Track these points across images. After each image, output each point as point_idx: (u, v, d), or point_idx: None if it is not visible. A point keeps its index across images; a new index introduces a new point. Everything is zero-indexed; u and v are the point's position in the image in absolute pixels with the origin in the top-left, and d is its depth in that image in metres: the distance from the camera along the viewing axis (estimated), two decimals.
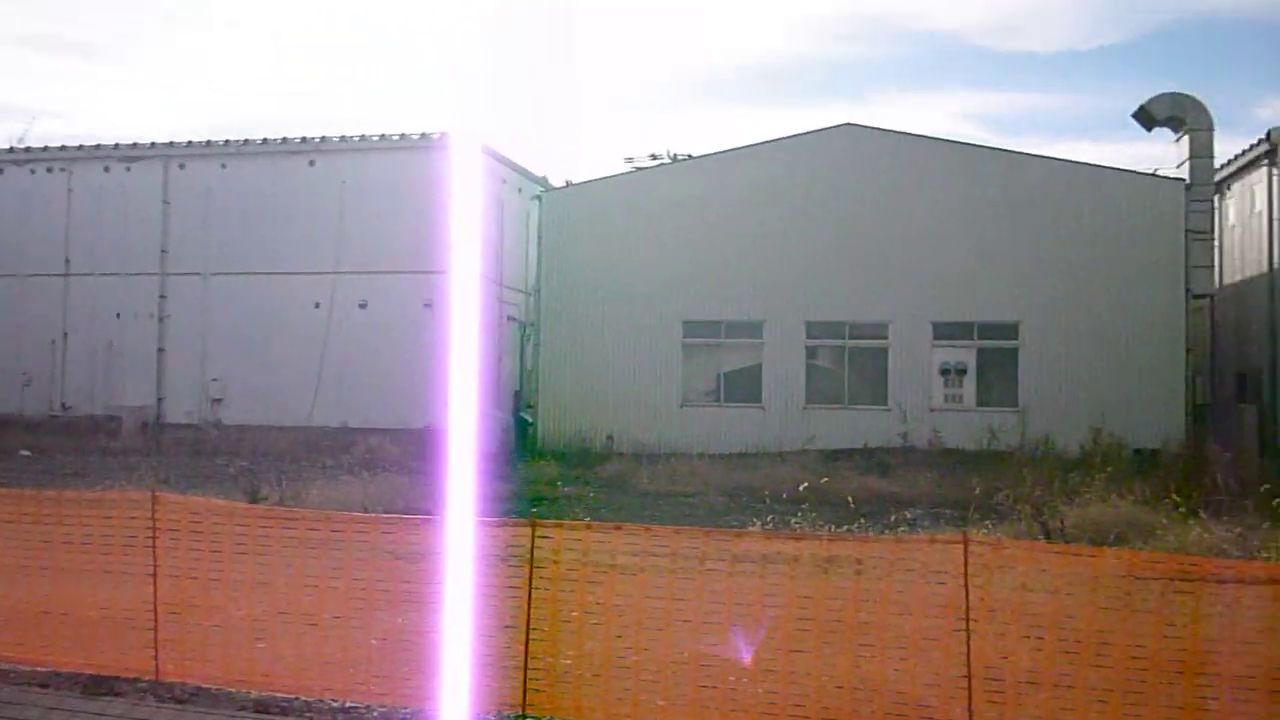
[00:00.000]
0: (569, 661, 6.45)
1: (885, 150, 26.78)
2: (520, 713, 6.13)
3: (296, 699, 6.64)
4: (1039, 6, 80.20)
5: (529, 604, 6.19)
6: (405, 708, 6.46)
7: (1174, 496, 13.06)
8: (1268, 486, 12.77)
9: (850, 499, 14.54)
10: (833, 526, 13.18)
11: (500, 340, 29.56)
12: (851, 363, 26.96)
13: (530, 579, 6.19)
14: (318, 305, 28.35)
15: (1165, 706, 5.65)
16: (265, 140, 29.57)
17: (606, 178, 29.82)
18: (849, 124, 27.28)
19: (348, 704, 6.55)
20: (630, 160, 38.59)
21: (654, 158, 38.13)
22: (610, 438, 26.29)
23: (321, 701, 6.58)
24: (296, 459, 24.48)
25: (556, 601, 6.24)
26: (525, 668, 6.12)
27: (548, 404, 27.65)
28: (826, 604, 6.06)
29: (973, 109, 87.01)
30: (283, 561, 7.09)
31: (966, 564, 5.92)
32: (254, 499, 14.22)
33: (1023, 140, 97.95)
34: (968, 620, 5.91)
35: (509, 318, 30.27)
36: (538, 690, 6.13)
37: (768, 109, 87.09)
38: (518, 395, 30.07)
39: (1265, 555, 10.30)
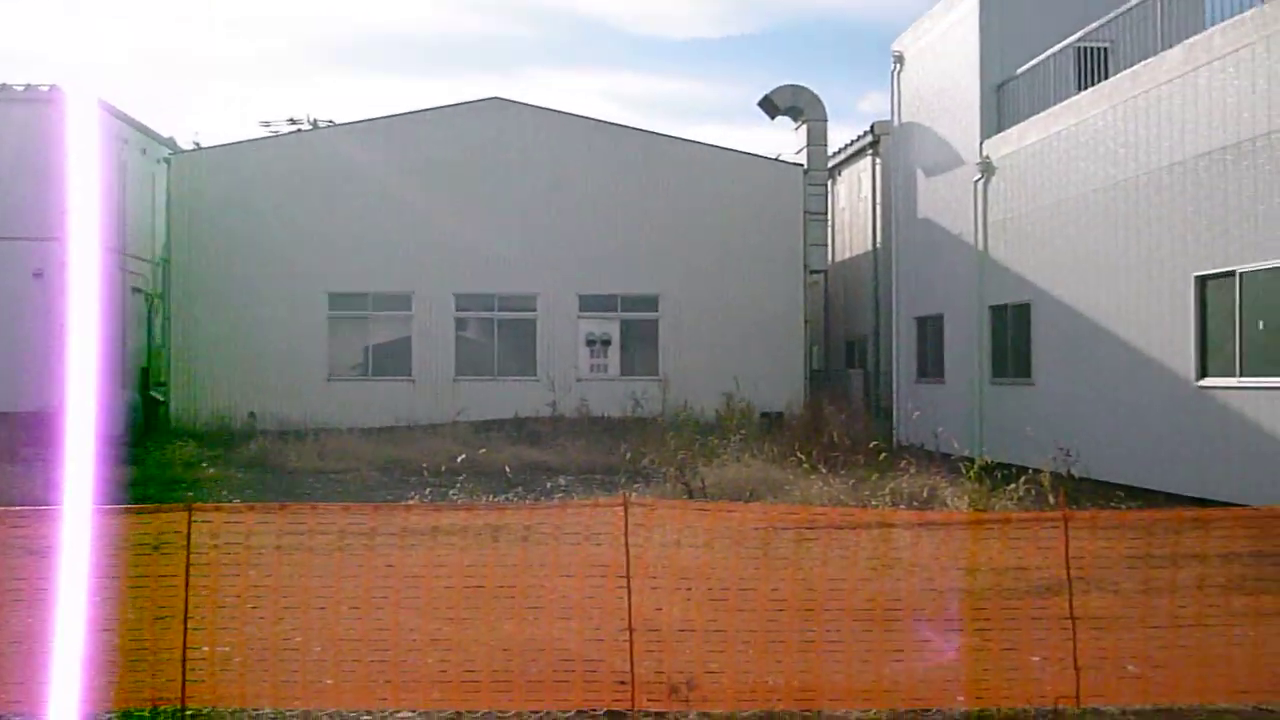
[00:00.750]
0: (227, 649, 6.22)
1: (533, 125, 27.22)
2: (178, 706, 5.84)
3: None
4: None
5: (186, 592, 5.90)
6: (33, 715, 5.96)
7: (798, 455, 14.37)
8: (875, 443, 14.35)
9: (506, 469, 14.81)
10: (490, 496, 13.40)
11: (124, 313, 27.26)
12: (501, 334, 27.30)
13: (187, 566, 5.90)
14: None
15: (800, 642, 6.27)
16: None
17: (244, 142, 28.28)
18: (497, 98, 27.48)
19: None
20: (268, 125, 36.80)
21: (293, 123, 36.57)
22: (253, 415, 25.11)
23: None
24: None
25: (217, 588, 5.99)
26: (184, 659, 5.84)
27: (180, 381, 25.97)
28: (496, 571, 6.23)
29: (616, 89, 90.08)
30: None
31: (626, 526, 6.27)
32: None
33: (662, 121, 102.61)
34: (628, 578, 6.26)
35: (134, 289, 27.99)
36: (198, 681, 5.87)
37: (417, 80, 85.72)
38: (145, 372, 27.94)
39: (874, 502, 11.59)
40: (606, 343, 27.17)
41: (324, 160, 26.65)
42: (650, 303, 27.26)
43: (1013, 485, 11.56)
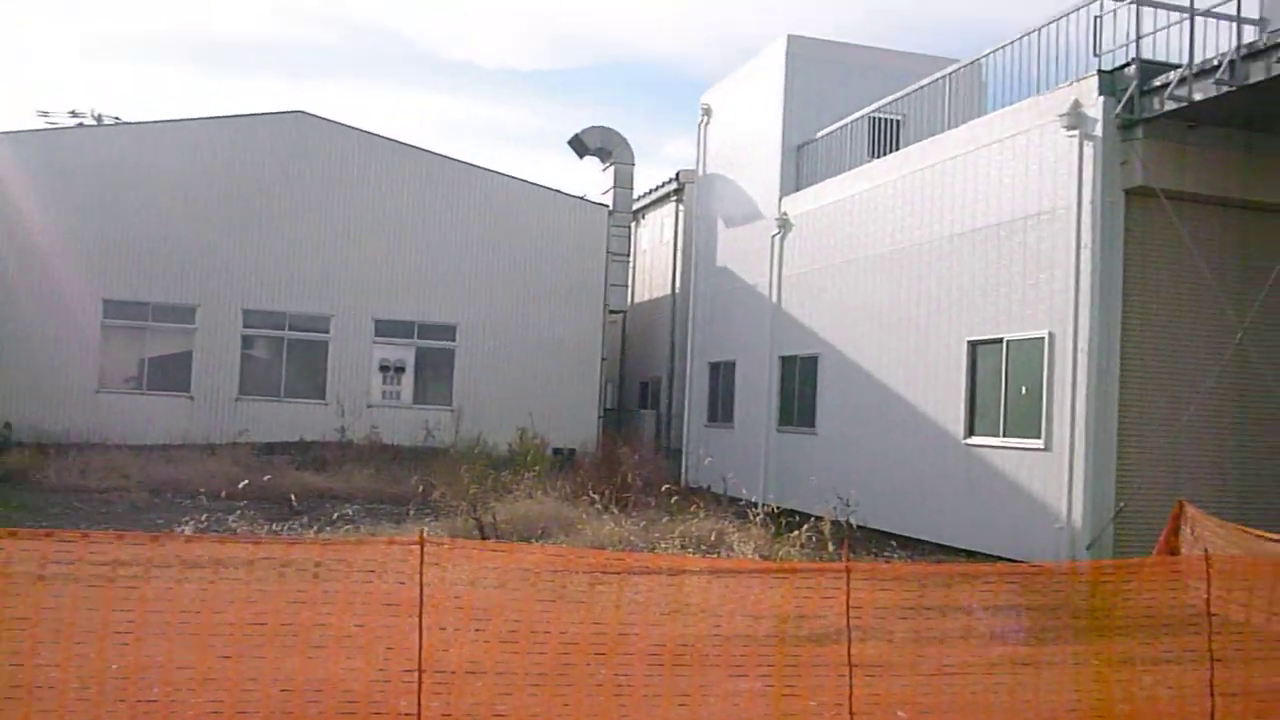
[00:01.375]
0: None
1: (339, 143, 26.59)
2: None
3: None
4: (484, 22, 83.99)
5: None
6: None
7: (591, 494, 14.46)
8: (667, 486, 14.61)
9: (293, 496, 14.27)
10: (273, 525, 12.88)
11: None
12: (290, 355, 26.36)
13: None
14: None
15: (590, 685, 6.29)
16: None
17: (13, 132, 26.34)
18: (302, 112, 26.69)
19: None
20: (46, 115, 34.51)
21: (74, 115, 34.48)
22: (8, 426, 23.29)
23: None
24: None
25: None
26: None
27: None
28: (281, 607, 5.98)
29: (423, 110, 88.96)
30: None
31: (421, 564, 6.15)
32: None
33: (470, 146, 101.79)
34: (420, 617, 6.14)
35: None
36: None
37: (205, 78, 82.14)
38: None
39: (664, 545, 11.78)
40: (401, 370, 26.67)
41: (108, 157, 25.16)
42: (448, 332, 26.94)
43: (796, 532, 11.99)
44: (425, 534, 6.36)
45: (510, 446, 22.20)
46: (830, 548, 11.56)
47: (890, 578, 6.70)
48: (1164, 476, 12.91)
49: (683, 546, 11.69)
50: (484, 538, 12.05)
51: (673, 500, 13.69)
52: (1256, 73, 11.62)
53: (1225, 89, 11.92)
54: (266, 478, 15.39)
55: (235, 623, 5.93)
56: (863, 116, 19.82)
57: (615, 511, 13.60)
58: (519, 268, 27.22)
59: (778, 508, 14.01)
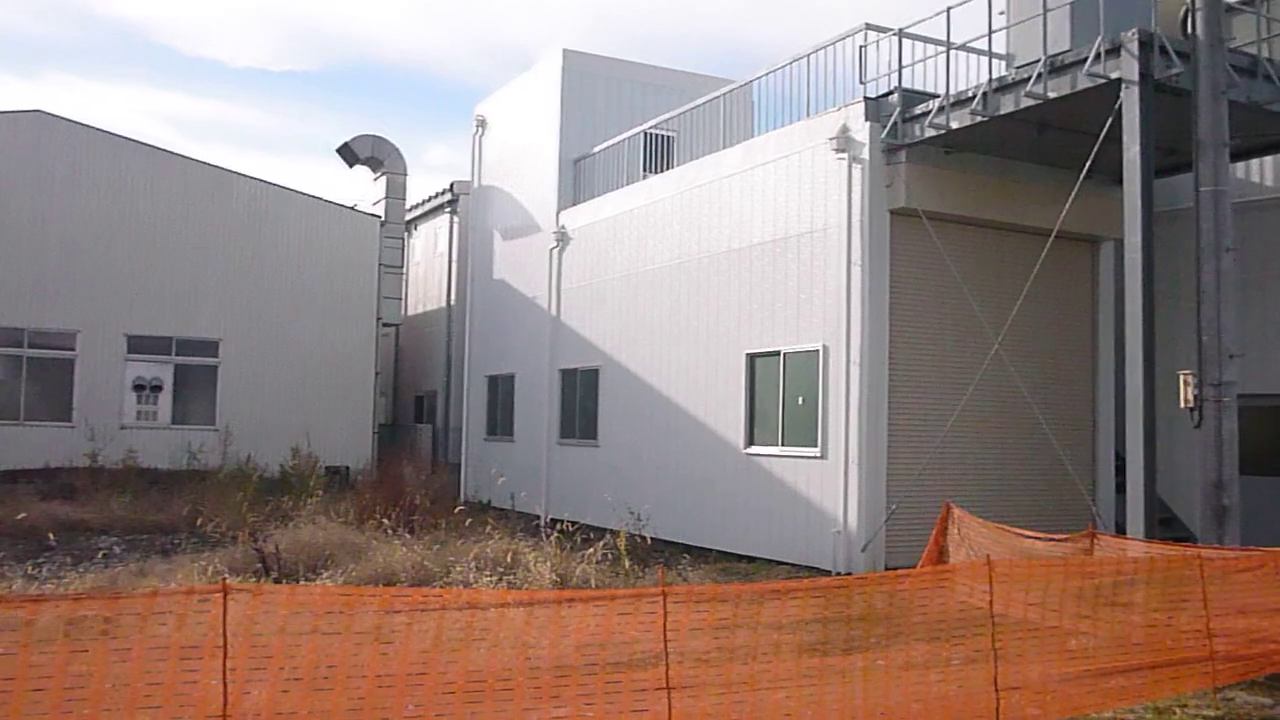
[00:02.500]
0: None
1: (84, 146, 24.76)
2: None
3: None
4: (230, 18, 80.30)
5: None
6: None
7: (378, 516, 14.04)
8: (459, 506, 14.37)
9: (51, 534, 13.14)
10: (26, 564, 11.81)
11: None
12: (30, 374, 24.32)
13: None
14: None
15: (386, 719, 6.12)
16: None
17: None
18: (41, 111, 24.69)
19: None
20: None
21: None
22: None
23: None
24: None
25: None
26: None
27: None
28: (68, 670, 5.49)
29: (164, 109, 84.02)
30: None
31: (225, 613, 5.81)
32: None
33: (219, 150, 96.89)
34: (224, 665, 5.79)
35: None
36: None
37: None
38: None
39: (459, 568, 11.56)
40: (158, 388, 25.09)
41: None
42: (210, 347, 25.56)
43: (591, 549, 12.03)
44: (221, 578, 6.01)
45: (282, 466, 21.30)
46: (626, 563, 11.68)
47: (705, 599, 6.82)
48: (932, 479, 13.76)
49: (479, 568, 11.51)
50: (266, 570, 11.48)
51: (465, 520, 13.46)
52: (1006, 104, 12.57)
53: (979, 118, 12.84)
54: (21, 515, 14.09)
55: (12, 691, 5.40)
56: (639, 132, 20.17)
57: (404, 534, 13.25)
58: (287, 280, 26.16)
59: (572, 523, 14.04)
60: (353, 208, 28.24)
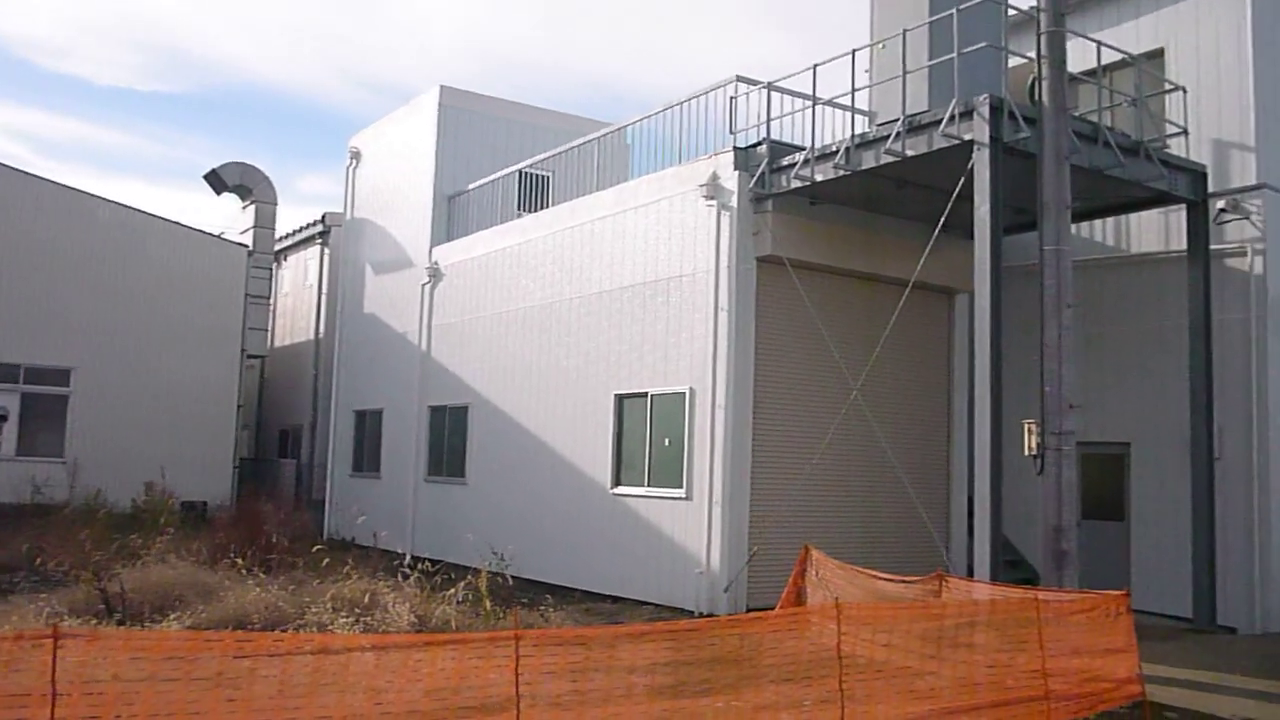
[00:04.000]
0: None
1: None
2: None
3: None
4: (93, 34, 77.69)
5: None
6: None
7: (233, 556, 13.62)
8: (317, 545, 14.04)
9: None
10: None
11: None
12: None
13: None
14: None
15: None
16: None
17: None
18: None
19: None
20: None
21: None
22: None
23: None
24: None
25: None
26: None
27: None
28: None
29: (16, 125, 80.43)
30: None
31: (54, 659, 5.58)
32: None
33: (79, 172, 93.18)
34: (53, 715, 5.56)
35: None
36: None
37: None
38: None
39: (315, 608, 11.30)
40: (3, 418, 23.90)
41: None
42: (61, 376, 24.52)
43: (452, 589, 11.89)
44: (53, 621, 5.78)
45: (134, 501, 20.50)
46: (488, 604, 11.57)
47: (559, 642, 6.83)
48: (793, 521, 14.04)
49: (335, 610, 11.26)
50: (110, 611, 11.03)
51: (325, 559, 13.15)
52: (868, 160, 13.04)
53: (842, 172, 13.28)
54: None
55: None
56: (514, 171, 20.24)
57: (259, 574, 12.89)
58: (147, 308, 25.30)
59: (433, 563, 13.85)
60: (219, 236, 27.54)
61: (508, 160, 20.61)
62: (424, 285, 21.24)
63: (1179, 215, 14.59)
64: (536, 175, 20.66)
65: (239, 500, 21.80)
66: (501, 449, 18.58)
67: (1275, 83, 14.50)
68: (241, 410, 26.78)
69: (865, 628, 7.77)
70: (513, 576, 14.34)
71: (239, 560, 13.30)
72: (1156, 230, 15.27)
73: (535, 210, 19.68)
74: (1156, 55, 15.15)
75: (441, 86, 21.65)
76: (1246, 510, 13.74)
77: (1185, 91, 14.57)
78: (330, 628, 10.60)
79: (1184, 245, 14.30)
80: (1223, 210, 14.19)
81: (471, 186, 20.93)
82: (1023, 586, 10.64)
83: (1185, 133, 14.40)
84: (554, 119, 22.62)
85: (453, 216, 21.39)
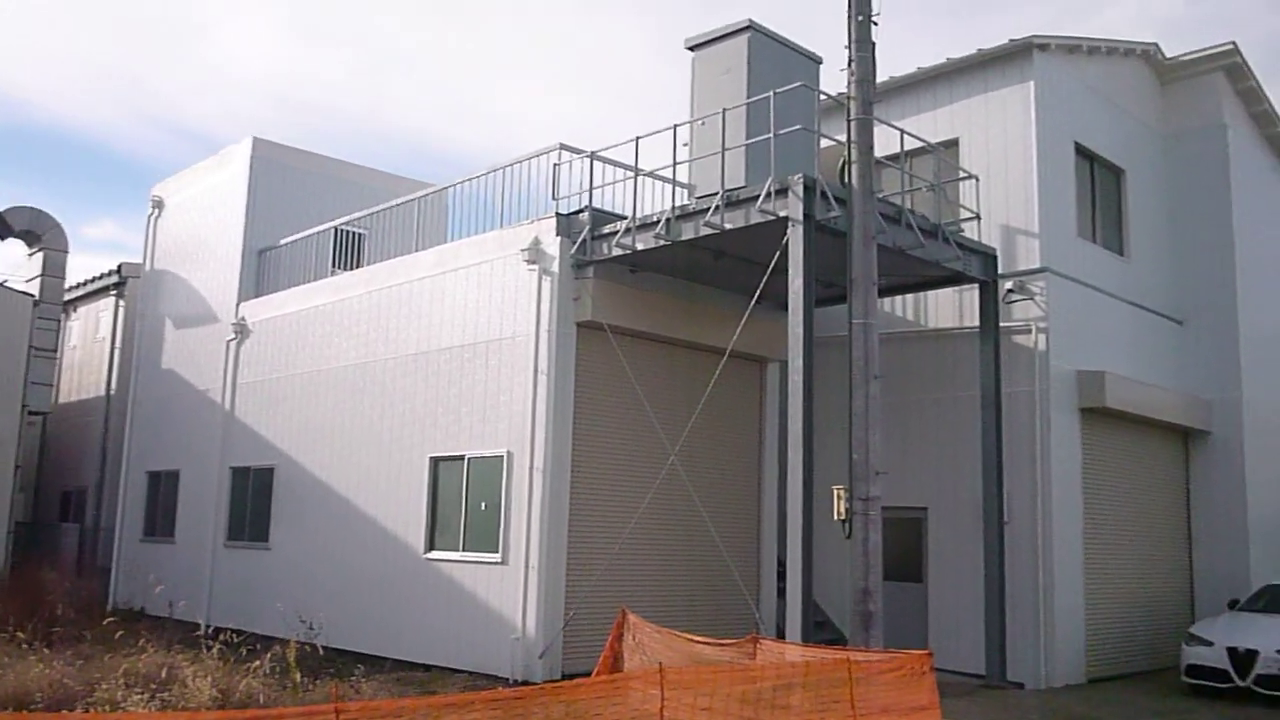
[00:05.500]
0: None
1: None
2: None
3: None
4: None
5: None
6: None
7: (11, 629, 12.62)
8: (110, 618, 13.17)
9: None
10: None
11: None
12: None
13: None
14: None
15: None
16: None
17: None
18: None
19: None
20: None
21: None
22: None
23: None
24: None
25: None
26: None
27: None
28: None
29: None
30: None
31: None
32: None
33: None
34: None
35: None
36: None
37: None
38: None
39: (106, 685, 10.57)
40: None
41: None
42: None
43: (258, 661, 11.35)
44: None
45: None
46: (297, 676, 11.09)
47: (381, 715, 6.62)
48: (610, 585, 14.08)
49: (128, 686, 10.57)
50: None
51: (115, 631, 12.34)
52: (687, 231, 13.44)
53: (662, 242, 13.63)
54: None
55: None
56: (329, 228, 19.84)
57: (42, 649, 11.98)
58: None
59: (237, 633, 13.19)
60: (2, 284, 25.76)
61: (322, 216, 20.19)
62: (229, 341, 20.45)
63: (972, 294, 15.60)
64: (352, 233, 20.30)
65: (15, 568, 20.20)
66: (310, 513, 17.95)
67: (1056, 175, 15.79)
68: (19, 471, 24.93)
69: (687, 691, 7.86)
70: (323, 646, 13.84)
71: (18, 634, 12.34)
72: (952, 307, 16.27)
73: (350, 268, 19.30)
74: (952, 145, 16.27)
75: (254, 138, 21.09)
76: (1033, 572, 14.64)
77: (978, 179, 15.68)
78: (123, 706, 9.93)
79: (976, 322, 15.28)
80: (1010, 291, 15.27)
81: (284, 241, 20.38)
82: (832, 647, 10.99)
83: (978, 218, 15.48)
84: (372, 176, 22.35)
85: (263, 272, 20.75)
